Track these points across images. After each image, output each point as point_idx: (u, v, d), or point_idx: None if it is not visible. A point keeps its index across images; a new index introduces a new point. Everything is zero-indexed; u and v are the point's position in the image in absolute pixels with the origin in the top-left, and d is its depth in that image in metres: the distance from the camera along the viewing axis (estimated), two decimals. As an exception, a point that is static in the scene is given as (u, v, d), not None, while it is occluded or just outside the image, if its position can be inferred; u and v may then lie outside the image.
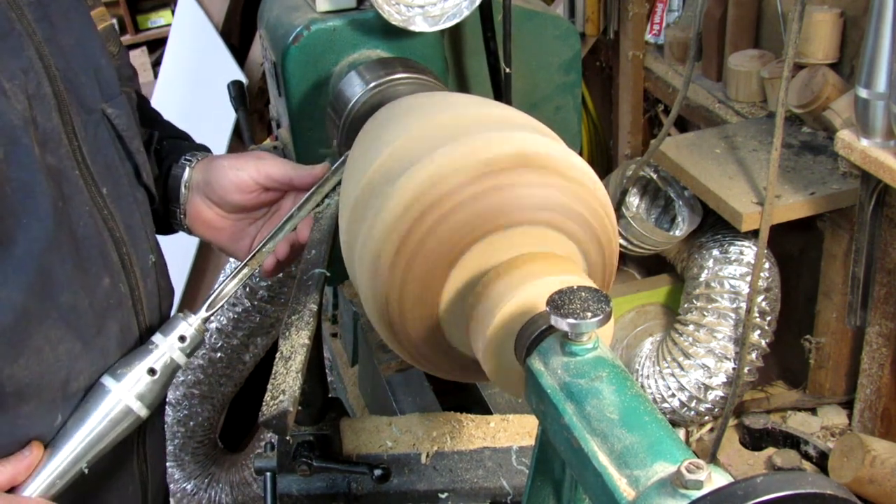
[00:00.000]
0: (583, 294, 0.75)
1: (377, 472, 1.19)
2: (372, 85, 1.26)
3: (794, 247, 2.23)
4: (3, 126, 0.92)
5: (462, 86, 1.63)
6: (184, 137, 1.38)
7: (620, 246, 2.02)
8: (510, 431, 1.26)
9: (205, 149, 1.35)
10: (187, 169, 1.28)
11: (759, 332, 2.12)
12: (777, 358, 2.29)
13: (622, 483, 0.63)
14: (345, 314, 2.21)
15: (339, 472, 1.22)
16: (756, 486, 0.56)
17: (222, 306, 1.15)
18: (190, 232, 1.32)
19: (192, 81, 3.73)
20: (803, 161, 2.03)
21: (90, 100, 1.07)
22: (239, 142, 3.26)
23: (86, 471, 1.02)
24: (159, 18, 5.82)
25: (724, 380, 2.15)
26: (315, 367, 1.21)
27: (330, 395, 1.27)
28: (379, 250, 0.90)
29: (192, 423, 2.74)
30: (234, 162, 1.27)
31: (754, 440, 2.20)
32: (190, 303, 3.04)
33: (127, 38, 5.75)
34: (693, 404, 2.17)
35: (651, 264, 2.72)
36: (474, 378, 1.02)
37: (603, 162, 2.94)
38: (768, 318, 2.13)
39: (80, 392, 1.03)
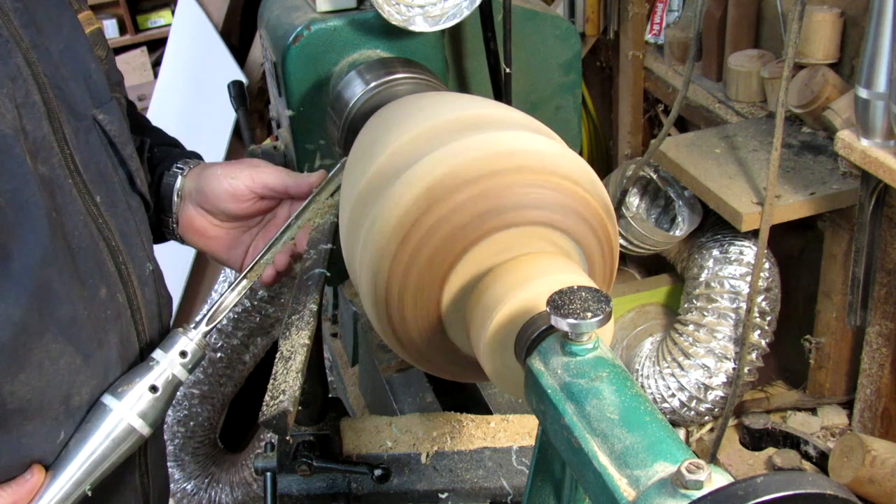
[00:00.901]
0: (583, 294, 0.75)
1: (377, 472, 1.19)
2: (372, 85, 1.26)
3: (794, 247, 2.23)
4: None
5: (462, 86, 1.63)
6: (174, 144, 1.36)
7: (620, 246, 2.02)
8: (510, 431, 1.26)
9: (196, 156, 1.33)
10: (179, 177, 1.26)
11: (759, 332, 2.12)
12: (777, 358, 2.29)
13: (622, 483, 0.63)
14: (345, 314, 2.21)
15: (340, 472, 1.22)
16: (756, 486, 0.56)
17: (222, 319, 1.14)
18: (182, 241, 1.30)
19: (192, 81, 3.73)
20: (803, 161, 2.03)
21: (80, 106, 1.04)
22: (239, 142, 3.26)
23: (89, 493, 1.01)
24: (159, 18, 5.82)
25: (724, 380, 2.15)
26: (315, 367, 1.21)
27: (330, 395, 1.27)
28: (379, 250, 0.90)
29: (192, 423, 2.74)
30: (227, 170, 1.24)
31: (754, 440, 2.19)
32: (188, 310, 3.03)
33: (127, 38, 5.76)
34: (693, 404, 2.17)
35: (651, 264, 2.72)
36: (474, 378, 1.02)
37: (603, 162, 2.94)
38: (768, 318, 2.13)
39: (82, 407, 1.01)
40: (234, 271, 1.32)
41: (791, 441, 2.15)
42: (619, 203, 2.34)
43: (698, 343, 2.16)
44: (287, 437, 1.20)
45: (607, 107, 2.90)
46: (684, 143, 2.18)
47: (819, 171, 1.99)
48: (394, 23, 1.38)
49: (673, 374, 2.18)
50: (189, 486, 2.82)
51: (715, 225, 2.22)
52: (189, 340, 1.08)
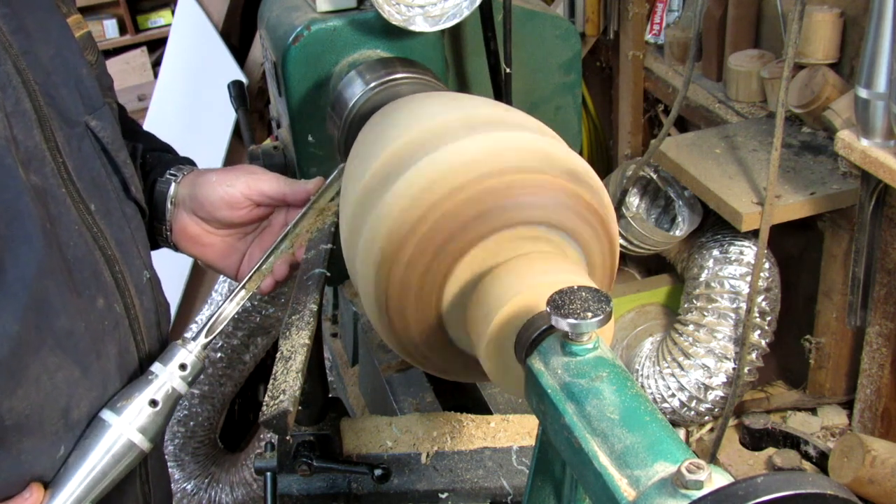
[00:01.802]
0: (583, 294, 0.75)
1: (377, 472, 1.19)
2: (372, 85, 1.26)
3: (794, 247, 2.23)
4: None
5: (462, 86, 1.63)
6: (167, 150, 1.33)
7: (620, 246, 2.02)
8: (510, 431, 1.26)
9: (189, 162, 1.31)
10: (173, 184, 1.23)
11: (759, 332, 2.12)
12: (777, 358, 2.29)
13: (623, 483, 0.63)
14: (345, 314, 2.21)
15: (340, 472, 1.22)
16: (756, 486, 0.56)
17: (221, 331, 1.12)
18: (176, 248, 1.28)
19: (192, 81, 3.73)
20: (803, 161, 2.03)
21: (72, 113, 1.02)
22: (239, 142, 3.26)
23: None
24: (159, 18, 5.83)
25: (724, 380, 2.15)
26: (315, 367, 1.21)
27: (330, 395, 1.27)
28: (379, 250, 0.90)
29: (192, 423, 2.74)
30: (223, 177, 1.22)
31: (754, 440, 2.19)
32: (187, 317, 3.02)
33: (127, 38, 5.76)
34: (693, 404, 2.17)
35: (651, 264, 2.72)
36: (475, 378, 1.02)
37: (603, 162, 2.94)
38: (768, 318, 2.13)
39: (81, 421, 1.00)
40: (226, 291, 1.30)
41: (791, 441, 2.15)
42: (619, 203, 2.34)
43: (698, 343, 2.16)
44: (287, 437, 1.20)
45: (607, 107, 2.90)
46: (684, 143, 2.18)
47: (819, 171, 1.99)
48: (394, 23, 1.38)
49: (673, 374, 2.18)
50: (189, 486, 2.82)
51: (715, 225, 2.22)
52: (188, 353, 1.06)
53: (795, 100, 2.00)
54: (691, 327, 2.18)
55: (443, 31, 1.48)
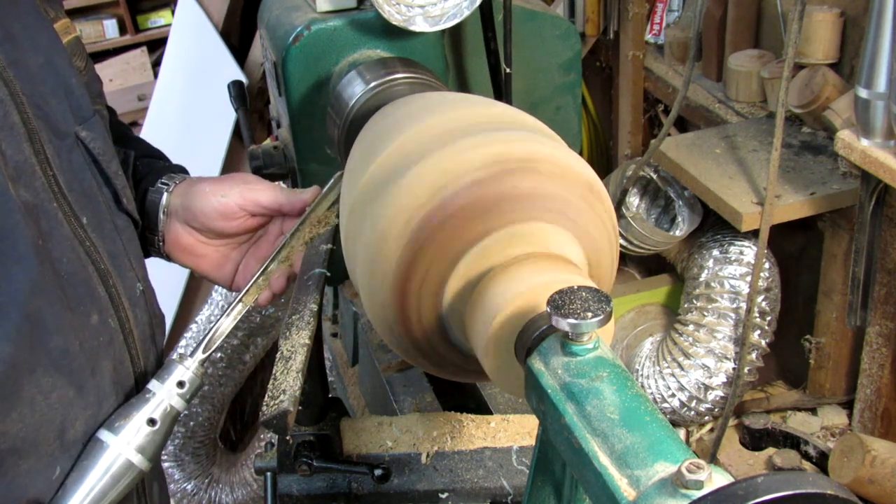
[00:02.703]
0: (583, 294, 0.75)
1: (377, 472, 1.19)
2: (372, 85, 1.26)
3: (794, 247, 2.23)
4: None
5: (462, 86, 1.63)
6: (158, 156, 1.30)
7: (620, 246, 2.02)
8: (510, 431, 1.26)
9: (181, 170, 1.28)
10: (165, 194, 1.20)
11: (759, 332, 2.12)
12: (777, 358, 2.29)
13: (623, 483, 0.63)
14: (345, 314, 2.21)
15: (340, 472, 1.22)
16: (757, 485, 0.56)
17: (219, 346, 1.09)
18: (168, 258, 1.25)
19: (192, 81, 3.73)
20: (803, 161, 2.03)
21: (62, 124, 0.99)
22: (239, 142, 3.26)
23: None
24: (159, 18, 5.83)
25: (724, 380, 2.15)
26: (315, 367, 1.21)
27: (330, 395, 1.27)
28: (380, 250, 0.90)
29: (192, 423, 2.74)
30: (217, 187, 1.19)
31: (754, 440, 2.19)
32: (184, 326, 3.00)
33: (127, 38, 5.76)
34: (693, 404, 2.18)
35: (651, 264, 2.72)
36: (475, 378, 1.02)
37: (603, 162, 2.94)
38: (768, 318, 2.13)
39: (77, 441, 0.97)
40: (226, 291, 1.28)
41: (791, 441, 2.15)
42: (619, 203, 2.34)
43: (698, 343, 2.16)
44: (287, 437, 1.20)
45: (607, 107, 2.90)
46: (684, 143, 2.18)
47: (819, 171, 1.99)
48: (394, 23, 1.38)
49: (673, 374, 2.18)
50: (189, 486, 2.82)
51: (715, 225, 2.22)
52: (185, 369, 1.04)
53: (795, 100, 2.00)
54: (691, 327, 2.18)
55: (443, 31, 1.48)
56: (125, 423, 0.99)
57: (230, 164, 3.34)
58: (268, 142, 1.82)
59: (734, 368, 2.13)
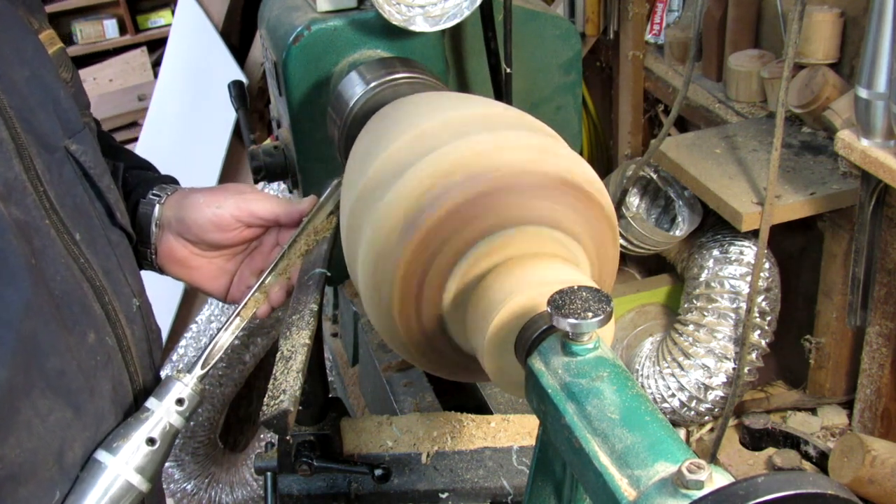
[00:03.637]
0: (584, 294, 0.75)
1: (378, 471, 1.19)
2: (372, 85, 1.26)
3: (794, 247, 2.23)
4: None
5: (462, 86, 1.63)
6: (147, 167, 1.28)
7: (620, 246, 2.02)
8: (511, 431, 1.26)
9: (172, 180, 1.25)
10: (157, 205, 1.17)
11: (759, 332, 2.12)
12: (777, 358, 2.29)
13: (623, 483, 0.63)
14: (345, 314, 2.21)
15: (340, 471, 1.22)
16: (757, 485, 0.56)
17: (217, 362, 1.07)
18: (161, 271, 1.22)
19: (192, 81, 3.73)
20: (803, 161, 2.03)
21: (51, 138, 0.96)
22: (239, 142, 3.27)
23: None
24: (159, 18, 5.83)
25: (724, 380, 2.15)
26: (315, 367, 1.21)
27: (330, 395, 1.27)
28: (380, 250, 0.90)
29: (192, 423, 2.74)
30: (211, 198, 1.16)
31: (754, 440, 2.19)
32: (180, 340, 2.98)
33: (127, 38, 5.77)
34: (693, 404, 2.17)
35: (651, 264, 2.72)
36: (475, 378, 1.02)
37: (603, 162, 2.94)
38: (768, 318, 2.13)
39: (76, 463, 0.95)
40: (222, 304, 1.26)
41: (791, 441, 2.15)
42: (619, 203, 2.34)
43: (698, 343, 2.16)
44: (287, 437, 1.20)
45: (607, 107, 2.90)
46: (684, 143, 2.18)
47: (819, 171, 1.99)
48: (394, 23, 1.38)
49: (673, 374, 2.18)
50: (189, 486, 2.82)
51: (715, 225, 2.22)
52: (184, 386, 1.02)
53: (795, 100, 2.00)
54: (691, 327, 2.18)
55: (443, 31, 1.48)
56: (123, 443, 0.97)
57: (230, 164, 3.34)
58: (268, 142, 1.82)
59: (734, 368, 2.13)
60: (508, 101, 1.60)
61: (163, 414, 1.00)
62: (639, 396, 0.71)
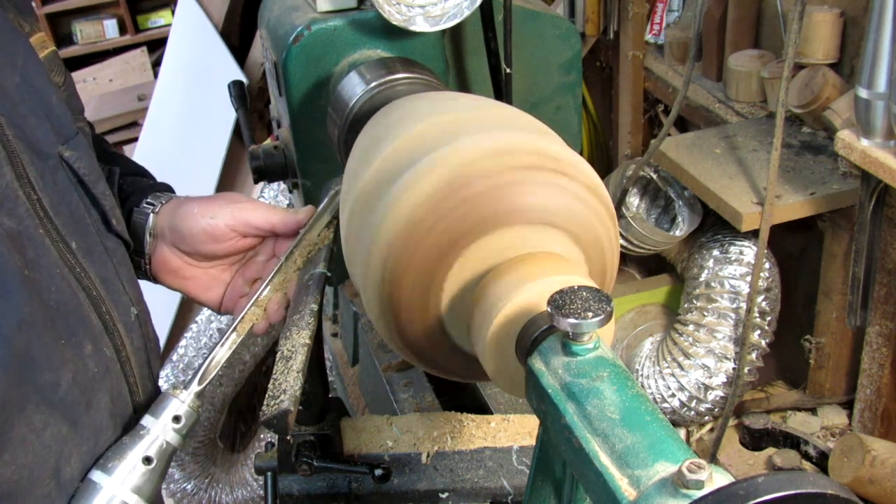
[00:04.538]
0: (584, 294, 0.75)
1: (378, 471, 1.19)
2: (373, 85, 1.26)
3: (794, 247, 2.23)
4: None
5: (462, 86, 1.63)
6: (142, 174, 1.25)
7: (620, 246, 2.02)
8: (511, 431, 1.26)
9: (167, 188, 1.23)
10: (151, 215, 1.15)
11: (759, 332, 2.12)
12: (777, 358, 2.29)
13: (623, 483, 0.63)
14: (345, 314, 2.21)
15: (340, 471, 1.22)
16: (757, 485, 0.56)
17: (214, 378, 1.04)
18: (155, 280, 1.19)
19: (192, 81, 3.73)
20: (803, 161, 2.03)
21: (44, 145, 0.93)
22: (239, 142, 3.27)
23: None
24: (159, 18, 5.83)
25: (724, 380, 2.15)
26: (316, 366, 1.21)
27: (330, 395, 1.27)
28: (380, 250, 0.90)
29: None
30: (205, 208, 1.13)
31: (754, 440, 2.20)
32: (181, 338, 2.97)
33: (127, 38, 5.77)
34: (693, 404, 2.18)
35: (651, 264, 2.72)
36: (475, 378, 1.02)
37: (603, 162, 2.94)
38: (768, 318, 2.13)
39: (74, 479, 0.92)
40: (213, 311, 1.23)
41: (791, 441, 2.15)
42: (619, 203, 2.34)
43: (698, 343, 2.16)
44: (287, 437, 1.20)
45: (607, 107, 2.90)
46: (684, 143, 2.18)
47: (819, 171, 1.99)
48: (394, 23, 1.38)
49: (673, 374, 2.18)
50: (189, 486, 2.82)
51: (715, 225, 2.22)
52: (181, 403, 0.99)
53: (795, 100, 2.00)
54: (691, 327, 2.18)
55: (443, 31, 1.48)
56: (119, 462, 0.94)
57: (230, 164, 3.34)
58: (268, 142, 1.82)
59: (734, 368, 2.13)
60: (508, 101, 1.60)
61: (159, 432, 0.97)
62: (639, 396, 0.71)
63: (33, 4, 1.07)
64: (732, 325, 2.13)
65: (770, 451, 2.18)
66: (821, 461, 2.07)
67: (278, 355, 0.98)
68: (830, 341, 2.12)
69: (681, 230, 2.27)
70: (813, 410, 2.24)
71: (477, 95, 1.19)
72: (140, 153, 4.16)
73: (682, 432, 2.28)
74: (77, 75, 5.52)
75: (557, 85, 1.68)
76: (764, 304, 2.11)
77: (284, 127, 1.57)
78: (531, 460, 0.89)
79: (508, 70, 1.58)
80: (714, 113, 2.32)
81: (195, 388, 1.01)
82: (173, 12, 4.35)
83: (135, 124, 5.36)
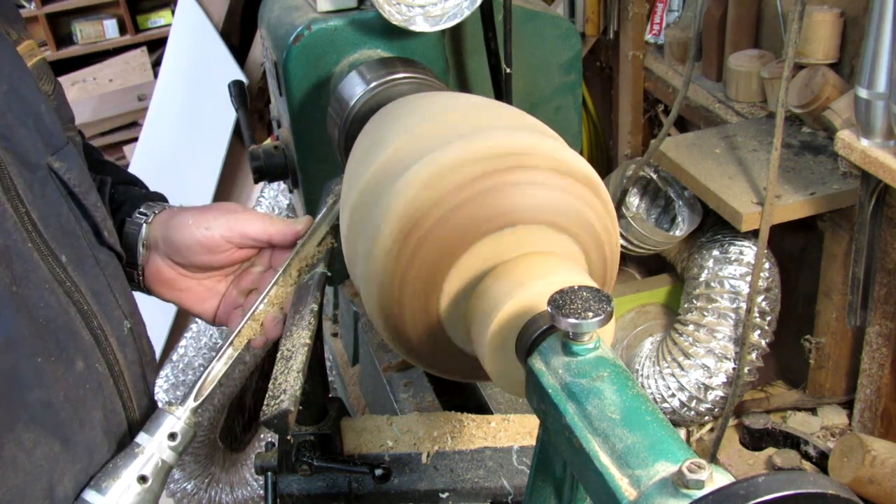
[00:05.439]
0: (584, 294, 0.75)
1: (378, 471, 1.19)
2: (373, 85, 1.26)
3: (794, 247, 2.23)
4: None
5: (463, 86, 1.64)
6: (133, 182, 1.23)
7: (621, 246, 2.02)
8: (511, 431, 1.26)
9: (160, 197, 1.20)
10: (144, 225, 1.12)
11: (759, 332, 2.12)
12: (777, 358, 2.29)
13: (624, 483, 0.63)
14: (345, 314, 2.21)
15: (340, 471, 1.22)
16: (758, 485, 0.56)
17: (210, 394, 1.02)
18: (149, 292, 1.17)
19: (192, 81, 3.73)
20: (803, 161, 2.03)
21: (32, 155, 0.90)
22: (239, 142, 3.27)
23: None
24: (159, 18, 5.84)
25: (724, 380, 2.15)
26: (316, 366, 1.21)
27: (330, 395, 1.27)
28: (380, 249, 0.90)
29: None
30: (200, 219, 1.10)
31: (754, 440, 2.19)
32: (177, 345, 2.96)
33: (127, 38, 5.77)
34: (693, 404, 2.18)
35: (651, 264, 2.72)
36: (476, 378, 1.02)
37: (603, 162, 2.94)
38: (768, 318, 2.13)
39: (68, 498, 0.90)
40: (207, 323, 1.21)
41: (791, 441, 2.15)
42: (619, 203, 2.34)
43: (698, 343, 2.16)
44: (288, 437, 1.20)
45: (607, 107, 2.90)
46: (684, 143, 2.18)
47: (819, 171, 1.99)
48: (394, 23, 1.38)
49: (673, 374, 2.18)
50: (189, 486, 2.82)
51: (715, 225, 2.22)
52: (177, 419, 0.97)
53: (795, 100, 2.00)
54: (691, 327, 2.18)
55: (443, 31, 1.48)
56: (113, 482, 0.92)
57: (230, 164, 3.34)
58: (268, 142, 1.82)
59: (734, 368, 2.13)
60: (508, 101, 1.60)
61: (154, 450, 0.95)
62: (639, 396, 0.71)
63: (32, 6, 1.06)
64: (732, 325, 2.13)
65: (770, 451, 2.18)
66: (821, 461, 2.07)
67: (278, 355, 0.98)
68: (830, 341, 2.12)
69: (681, 230, 2.27)
70: (813, 410, 2.24)
71: (477, 95, 1.19)
72: (140, 153, 4.16)
73: (682, 432, 2.28)
74: (77, 75, 5.53)
75: (557, 85, 1.68)
76: (764, 304, 2.11)
77: (284, 127, 1.57)
78: (531, 460, 0.89)
79: (508, 70, 1.58)
80: (714, 113, 2.32)
81: (191, 404, 0.99)
82: (173, 12, 4.35)
83: (135, 124, 5.37)
